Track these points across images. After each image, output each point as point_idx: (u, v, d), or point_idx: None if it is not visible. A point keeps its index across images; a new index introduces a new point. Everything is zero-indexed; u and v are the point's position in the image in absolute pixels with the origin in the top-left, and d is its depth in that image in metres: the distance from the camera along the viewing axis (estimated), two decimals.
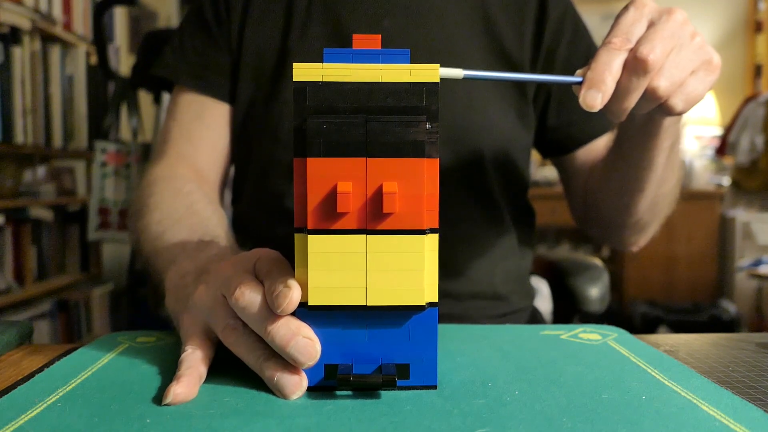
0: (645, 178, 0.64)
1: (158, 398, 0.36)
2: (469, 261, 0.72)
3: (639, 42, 0.44)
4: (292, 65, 0.70)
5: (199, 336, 0.41)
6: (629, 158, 0.63)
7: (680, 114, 0.48)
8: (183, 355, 0.39)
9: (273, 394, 0.37)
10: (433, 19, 0.72)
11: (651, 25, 0.45)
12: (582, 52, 0.76)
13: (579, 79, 0.44)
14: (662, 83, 0.45)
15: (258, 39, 0.73)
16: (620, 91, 0.45)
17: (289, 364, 0.37)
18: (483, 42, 0.73)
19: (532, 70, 0.74)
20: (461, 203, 0.71)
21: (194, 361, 0.38)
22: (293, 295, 0.36)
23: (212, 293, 0.40)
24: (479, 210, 0.72)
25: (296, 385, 0.37)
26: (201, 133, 0.73)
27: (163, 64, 0.76)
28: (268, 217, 0.72)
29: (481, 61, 0.72)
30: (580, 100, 0.44)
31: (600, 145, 0.77)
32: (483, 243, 0.73)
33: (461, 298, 0.71)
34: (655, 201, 0.68)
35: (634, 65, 0.43)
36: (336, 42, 0.71)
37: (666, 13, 0.46)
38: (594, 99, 0.43)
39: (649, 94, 0.45)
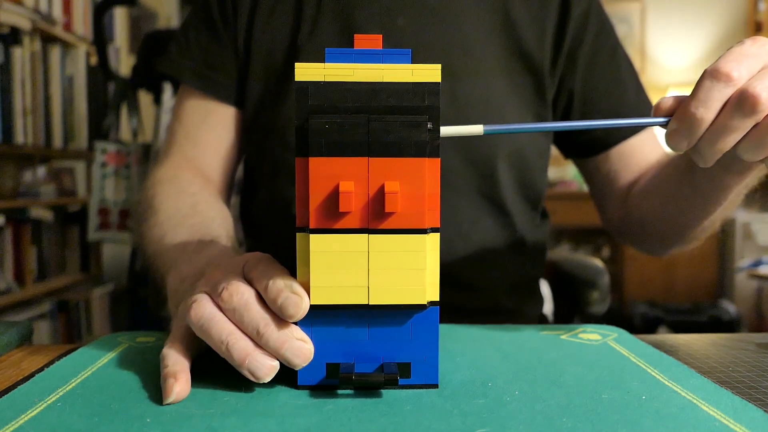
0: (712, 210, 0.59)
1: (158, 398, 0.36)
2: (480, 275, 0.70)
3: (752, 78, 0.38)
4: None
5: (182, 333, 0.41)
6: (701, 190, 0.57)
7: None
8: (165, 351, 0.39)
9: (273, 393, 0.37)
10: (449, 19, 0.69)
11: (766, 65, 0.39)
12: (606, 51, 0.72)
13: (663, 121, 0.40)
14: None
15: (267, 37, 0.71)
16: (715, 129, 0.39)
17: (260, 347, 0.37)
18: (501, 42, 0.70)
19: (552, 71, 0.71)
20: (474, 214, 0.69)
21: (180, 357, 0.39)
22: (304, 303, 0.36)
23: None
24: (492, 221, 0.70)
25: (269, 368, 0.36)
26: (206, 137, 0.72)
27: (169, 61, 0.75)
28: (279, 222, 0.71)
29: (499, 62, 0.69)
30: (665, 139, 0.40)
31: (636, 146, 0.72)
32: (495, 256, 0.71)
33: (472, 314, 0.68)
34: (712, 223, 0.63)
35: (740, 102, 0.37)
36: (347, 41, 0.69)
37: None
38: (679, 141, 0.39)
39: None
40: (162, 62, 0.76)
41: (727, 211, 0.61)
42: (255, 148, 0.73)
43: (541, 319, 0.80)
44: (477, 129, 0.39)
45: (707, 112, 0.38)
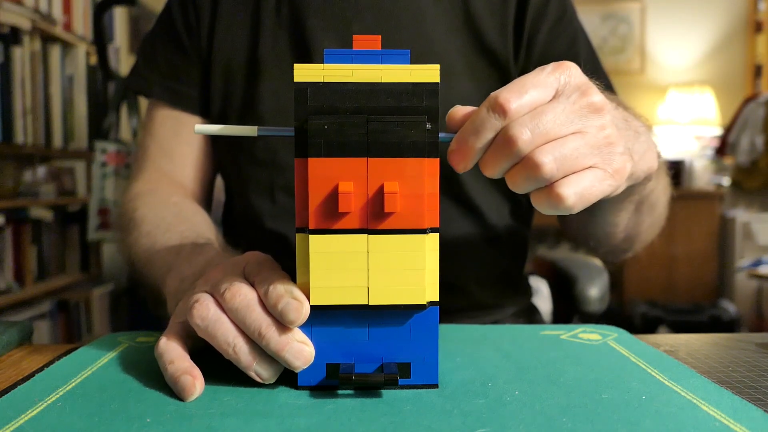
0: (611, 233, 0.60)
1: (158, 398, 0.36)
2: (456, 274, 0.69)
3: (525, 116, 0.35)
4: (262, 78, 0.68)
5: (179, 329, 0.41)
6: (588, 214, 0.57)
7: (569, 210, 0.36)
8: (162, 346, 0.39)
9: (273, 393, 0.37)
10: (407, 19, 0.67)
11: (556, 96, 0.37)
12: (565, 39, 0.70)
13: (447, 137, 0.38)
14: (545, 159, 0.35)
15: (227, 48, 0.70)
16: (484, 159, 0.37)
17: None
18: (463, 38, 0.68)
19: (516, 63, 0.69)
20: (443, 216, 0.66)
21: (182, 352, 0.39)
22: (304, 309, 0.36)
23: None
24: (462, 220, 0.69)
25: (276, 370, 0.38)
26: (179, 150, 0.72)
27: (136, 77, 0.75)
28: (253, 233, 0.71)
29: (462, 60, 0.68)
30: (447, 157, 0.38)
31: None
32: (470, 254, 0.70)
33: (451, 313, 0.68)
34: (633, 234, 0.64)
35: (501, 141, 0.35)
36: (303, 51, 0.67)
37: (581, 92, 0.37)
38: (456, 163, 0.38)
39: (531, 172, 0.35)
40: (130, 79, 0.75)
41: (642, 225, 0.62)
42: (224, 162, 0.73)
43: (530, 310, 0.79)
44: (251, 130, 0.37)
45: (478, 142, 0.36)
